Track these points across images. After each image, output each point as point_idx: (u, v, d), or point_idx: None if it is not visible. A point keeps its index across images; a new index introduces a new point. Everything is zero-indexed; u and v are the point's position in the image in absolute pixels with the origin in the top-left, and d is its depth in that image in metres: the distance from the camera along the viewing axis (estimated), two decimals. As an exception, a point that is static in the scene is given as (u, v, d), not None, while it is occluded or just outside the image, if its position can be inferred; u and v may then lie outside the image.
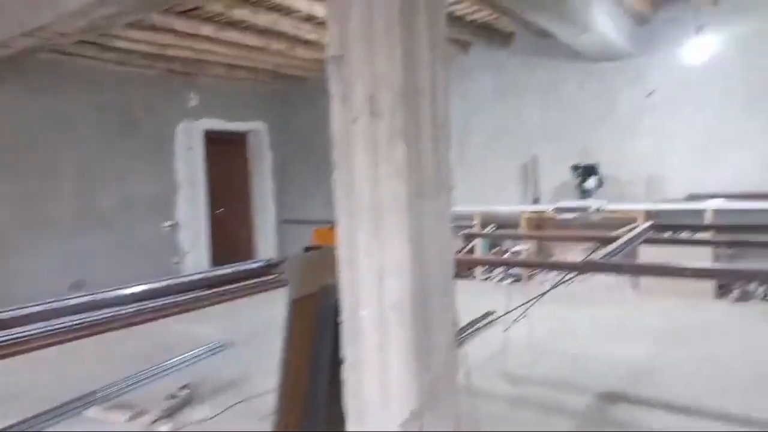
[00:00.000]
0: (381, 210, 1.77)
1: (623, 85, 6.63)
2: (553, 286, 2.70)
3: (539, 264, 2.63)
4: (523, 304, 3.63)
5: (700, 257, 5.32)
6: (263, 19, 5.37)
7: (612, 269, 2.07)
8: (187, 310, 4.81)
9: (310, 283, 1.85)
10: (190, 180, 7.79)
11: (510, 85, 7.49)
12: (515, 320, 3.96)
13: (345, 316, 1.83)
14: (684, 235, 4.89)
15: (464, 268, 7.64)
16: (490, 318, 4.89)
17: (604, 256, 2.50)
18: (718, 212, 5.74)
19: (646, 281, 6.06)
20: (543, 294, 2.79)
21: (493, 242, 7.81)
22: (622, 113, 6.68)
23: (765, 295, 5.43)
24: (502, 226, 7.65)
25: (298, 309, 1.86)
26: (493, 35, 7.07)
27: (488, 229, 7.65)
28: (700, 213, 5.82)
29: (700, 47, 5.68)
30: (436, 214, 1.89)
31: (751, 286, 5.51)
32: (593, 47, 6.02)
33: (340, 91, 1.81)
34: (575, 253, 7.02)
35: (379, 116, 1.75)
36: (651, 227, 3.56)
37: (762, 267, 2.86)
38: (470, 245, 7.70)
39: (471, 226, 7.44)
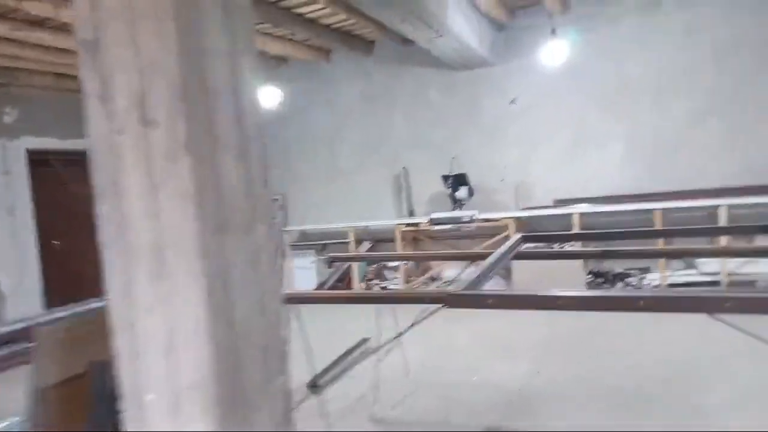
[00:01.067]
0: (164, 251, 1.27)
1: (486, 93, 6.64)
2: (416, 322, 2.34)
3: (404, 298, 2.30)
4: (397, 336, 3.27)
5: (573, 266, 5.39)
6: (68, 15, 4.54)
7: (477, 303, 1.72)
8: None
9: (69, 361, 1.28)
10: (8, 209, 6.58)
11: (377, 93, 7.25)
12: (389, 349, 3.59)
13: (125, 405, 1.30)
14: (555, 246, 4.92)
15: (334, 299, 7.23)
16: (364, 347, 4.48)
17: (477, 278, 2.18)
18: (584, 215, 5.85)
19: (520, 285, 6.04)
20: (410, 327, 2.45)
21: (371, 259, 7.49)
22: (488, 121, 6.68)
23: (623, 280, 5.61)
24: (380, 241, 7.36)
25: (53, 401, 1.29)
26: (355, 42, 6.78)
27: (363, 247, 7.31)
28: (568, 217, 5.91)
29: (556, 52, 5.79)
30: (248, 252, 1.41)
31: (619, 285, 5.66)
32: (454, 54, 5.92)
33: (96, 89, 1.28)
34: (453, 266, 6.89)
35: (152, 123, 1.24)
36: (522, 239, 3.34)
37: (632, 293, 2.77)
38: (345, 266, 7.32)
39: (346, 243, 7.05)
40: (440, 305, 1.88)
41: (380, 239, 7.32)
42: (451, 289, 1.87)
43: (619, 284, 5.70)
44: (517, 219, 6.20)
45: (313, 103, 7.64)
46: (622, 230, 3.42)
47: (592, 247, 3.73)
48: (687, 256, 4.45)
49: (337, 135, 7.55)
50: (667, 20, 5.77)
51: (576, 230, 5.78)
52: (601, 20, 6.01)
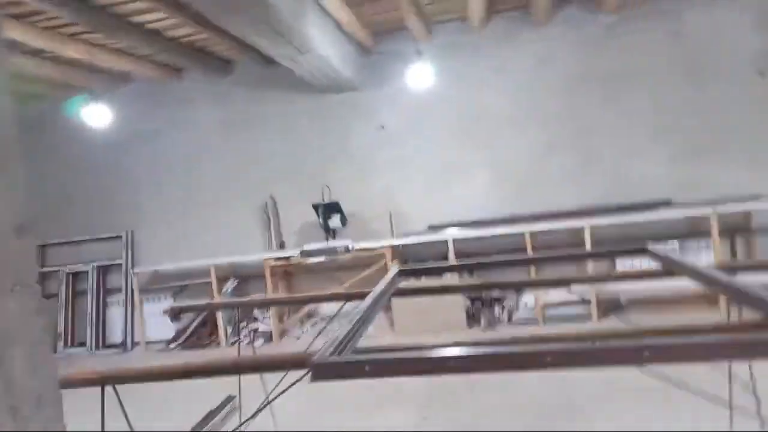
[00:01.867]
0: None
1: (356, 118, 6.38)
2: (277, 395, 1.87)
3: (256, 366, 1.83)
4: (266, 402, 2.75)
5: (452, 298, 5.25)
6: None
7: (349, 372, 1.32)
8: None
9: None
10: None
11: (239, 118, 6.67)
12: (255, 413, 3.04)
13: None
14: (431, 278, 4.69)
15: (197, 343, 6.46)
16: (229, 407, 3.87)
17: (349, 333, 1.76)
18: (458, 240, 5.75)
19: (401, 319, 5.77)
20: (277, 396, 1.98)
21: (240, 296, 6.80)
22: (359, 147, 6.41)
23: (509, 318, 5.55)
24: (248, 278, 6.71)
25: None
26: (209, 61, 6.19)
27: (228, 285, 6.62)
28: (443, 243, 5.77)
29: (421, 75, 5.70)
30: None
31: (496, 312, 5.59)
32: (319, 74, 5.58)
33: None
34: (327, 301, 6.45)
35: None
36: (399, 273, 3.01)
37: (537, 348, 2.55)
38: (203, 309, 6.56)
39: (209, 282, 6.31)
40: (304, 372, 1.45)
41: (248, 275, 6.68)
42: (317, 356, 1.44)
43: (496, 308, 5.65)
44: (393, 247, 5.95)
45: (165, 128, 6.86)
46: (498, 260, 3.26)
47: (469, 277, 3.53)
48: (559, 285, 4.49)
49: (195, 164, 6.83)
50: (523, 50, 5.94)
51: (451, 256, 5.67)
52: (462, 48, 6.04)
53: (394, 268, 3.06)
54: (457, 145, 6.13)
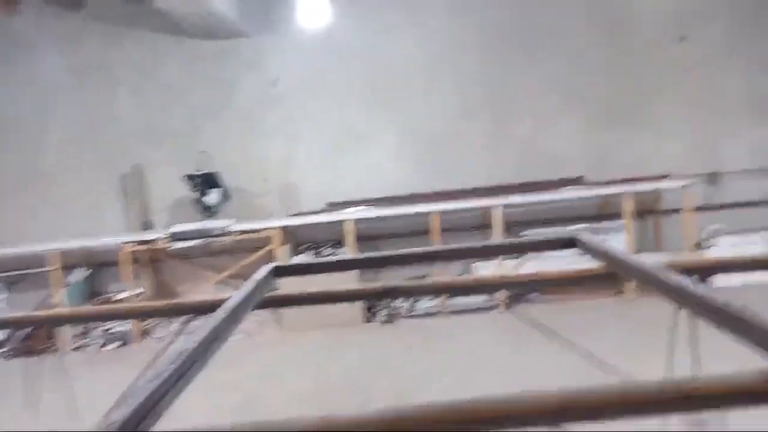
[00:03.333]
0: None
1: (241, 71, 5.28)
2: None
3: None
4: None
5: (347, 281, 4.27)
6: None
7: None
8: None
9: None
10: None
11: (93, 65, 5.36)
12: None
13: None
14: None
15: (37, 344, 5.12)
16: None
17: (161, 386, 0.75)
18: (358, 221, 4.81)
19: (289, 313, 4.75)
20: None
21: (93, 288, 5.50)
22: (244, 107, 5.30)
23: (410, 312, 4.68)
24: (105, 266, 5.42)
25: None
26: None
27: (75, 276, 5.30)
28: (340, 224, 4.81)
29: (319, 19, 4.69)
30: None
31: (397, 304, 4.70)
32: (196, 17, 4.45)
33: None
34: (204, 290, 5.30)
35: None
36: (274, 272, 2.03)
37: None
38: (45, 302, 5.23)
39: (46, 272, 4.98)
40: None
41: (103, 263, 5.40)
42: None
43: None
44: (282, 228, 4.91)
45: (2, 74, 5.42)
46: (400, 253, 2.32)
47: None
48: (472, 289, 3.61)
49: (38, 123, 5.44)
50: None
51: (350, 238, 4.72)
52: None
53: (264, 268, 2.05)
54: (362, 105, 5.19)
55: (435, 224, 4.61)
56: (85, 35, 5.29)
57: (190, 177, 5.02)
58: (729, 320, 0.96)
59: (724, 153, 5.07)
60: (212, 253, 5.18)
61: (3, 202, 5.49)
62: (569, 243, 1.91)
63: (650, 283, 1.35)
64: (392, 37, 5.10)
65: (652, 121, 5.09)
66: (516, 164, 5.06)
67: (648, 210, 5.12)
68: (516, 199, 4.74)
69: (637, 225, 5.00)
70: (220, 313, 1.40)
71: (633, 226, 4.75)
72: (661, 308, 1.28)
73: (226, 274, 5.07)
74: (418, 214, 4.77)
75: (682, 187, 4.64)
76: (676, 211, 4.83)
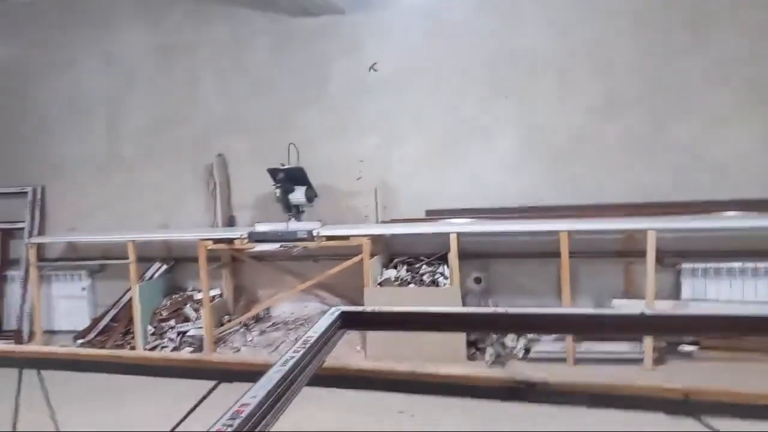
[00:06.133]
0: None
1: (336, 54, 4.62)
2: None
3: None
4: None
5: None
6: None
7: None
8: None
9: None
10: None
11: (177, 46, 4.94)
12: None
13: None
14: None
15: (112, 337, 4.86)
16: None
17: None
18: (466, 235, 4.08)
19: (375, 342, 4.14)
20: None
21: (172, 284, 5.18)
22: (336, 95, 4.67)
23: (526, 352, 3.89)
24: (182, 261, 5.07)
25: None
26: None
27: (155, 269, 4.98)
28: (444, 236, 4.07)
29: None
30: None
31: (507, 340, 3.93)
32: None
33: None
34: (288, 300, 4.82)
35: None
36: (341, 319, 1.38)
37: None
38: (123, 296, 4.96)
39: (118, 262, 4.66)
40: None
41: (183, 258, 5.04)
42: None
43: (508, 337, 3.98)
44: (375, 236, 4.28)
45: (81, 54, 5.13)
46: (519, 313, 1.56)
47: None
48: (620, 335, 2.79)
49: (119, 105, 5.14)
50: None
51: (453, 253, 3.99)
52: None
53: (329, 313, 1.44)
54: (476, 98, 4.37)
55: (564, 246, 3.74)
56: (170, 12, 4.86)
57: (274, 171, 4.48)
58: None
59: None
60: (295, 257, 4.65)
61: (89, 187, 5.26)
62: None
63: None
64: (518, 14, 4.23)
65: None
66: (672, 177, 4.03)
67: None
68: (675, 223, 3.77)
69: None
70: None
71: None
72: None
73: (310, 283, 4.54)
74: (541, 233, 3.96)
75: None
76: None
